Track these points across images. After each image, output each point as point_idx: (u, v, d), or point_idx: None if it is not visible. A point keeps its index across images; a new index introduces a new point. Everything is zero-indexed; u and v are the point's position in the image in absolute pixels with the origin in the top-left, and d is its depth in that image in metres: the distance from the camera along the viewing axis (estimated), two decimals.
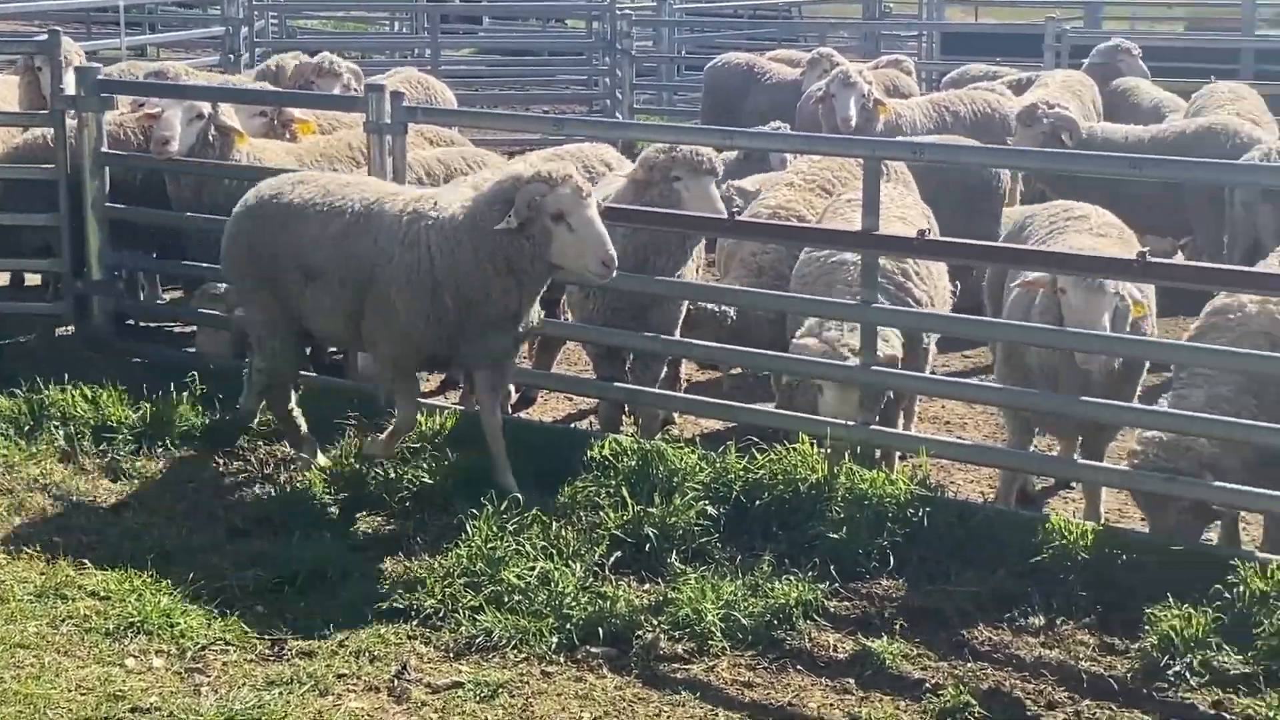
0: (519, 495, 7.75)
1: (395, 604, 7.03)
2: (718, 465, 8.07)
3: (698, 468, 8.05)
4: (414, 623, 6.91)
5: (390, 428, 8.24)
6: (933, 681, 6.48)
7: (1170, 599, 6.78)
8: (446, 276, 7.68)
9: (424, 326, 7.80)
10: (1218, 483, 7.29)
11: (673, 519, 7.57)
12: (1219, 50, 19.87)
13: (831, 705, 6.35)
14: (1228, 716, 6.18)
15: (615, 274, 7.60)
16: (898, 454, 8.75)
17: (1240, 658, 6.52)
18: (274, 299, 8.31)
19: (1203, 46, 20.24)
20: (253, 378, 9.11)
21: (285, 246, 8.16)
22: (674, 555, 7.38)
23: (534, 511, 7.59)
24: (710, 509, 7.73)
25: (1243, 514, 7.78)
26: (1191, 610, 6.69)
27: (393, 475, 8.16)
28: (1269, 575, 6.77)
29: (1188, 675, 6.47)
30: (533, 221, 7.47)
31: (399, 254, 7.77)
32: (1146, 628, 6.69)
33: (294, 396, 8.70)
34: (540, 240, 7.50)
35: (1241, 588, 6.79)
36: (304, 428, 8.66)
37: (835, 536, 7.51)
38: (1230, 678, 6.41)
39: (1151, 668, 6.55)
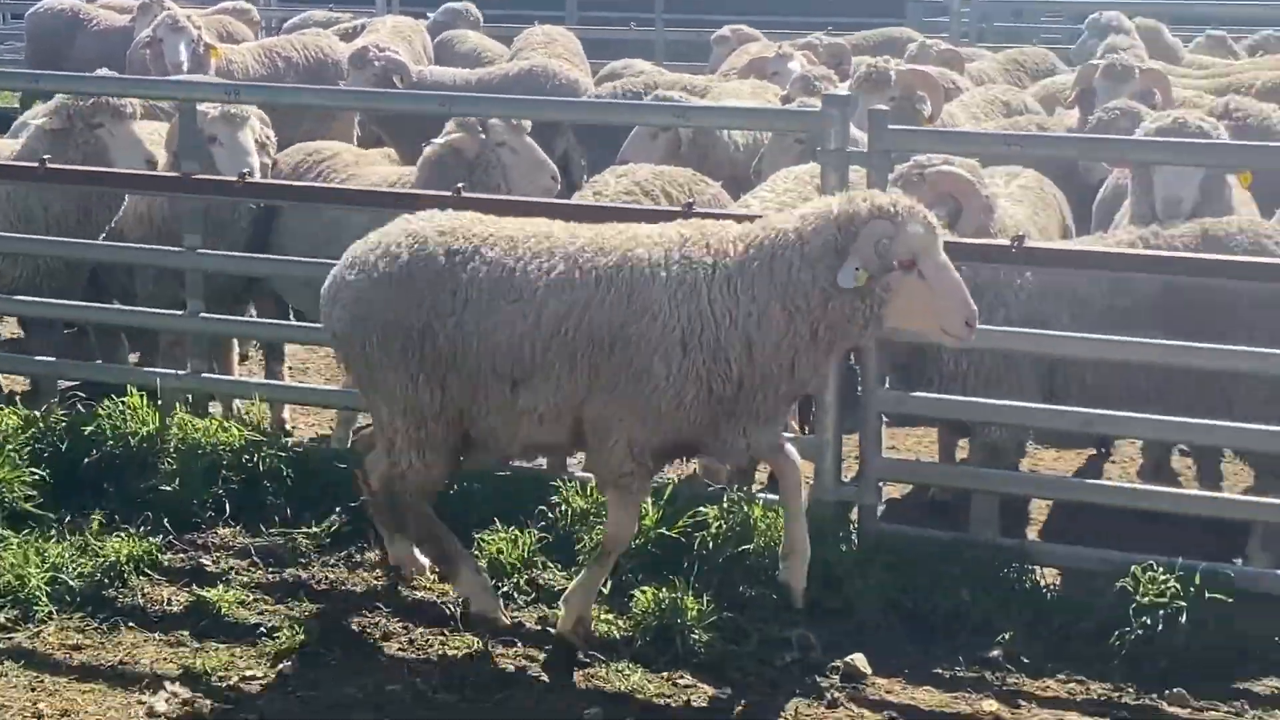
0: None
1: None
2: (40, 425, 7.73)
3: (19, 429, 7.69)
4: None
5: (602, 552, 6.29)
6: (269, 625, 6.47)
7: (498, 522, 7.04)
8: (736, 340, 5.87)
9: (691, 400, 5.91)
10: None
11: None
12: None
13: (165, 659, 6.22)
14: (552, 630, 6.47)
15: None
16: (234, 401, 8.66)
17: (564, 574, 6.86)
18: (432, 403, 6.18)
19: None
20: (378, 504, 6.70)
21: (466, 339, 6.08)
22: None
23: None
24: (36, 470, 7.40)
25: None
26: (519, 532, 6.98)
27: None
28: (589, 493, 7.14)
29: (514, 594, 6.74)
30: (875, 276, 5.75)
31: (667, 309, 5.88)
32: (477, 551, 6.91)
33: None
34: (879, 296, 5.78)
35: (564, 507, 7.13)
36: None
37: (168, 489, 7.39)
38: (555, 593, 6.73)
39: None
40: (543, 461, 7.85)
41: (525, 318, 5.99)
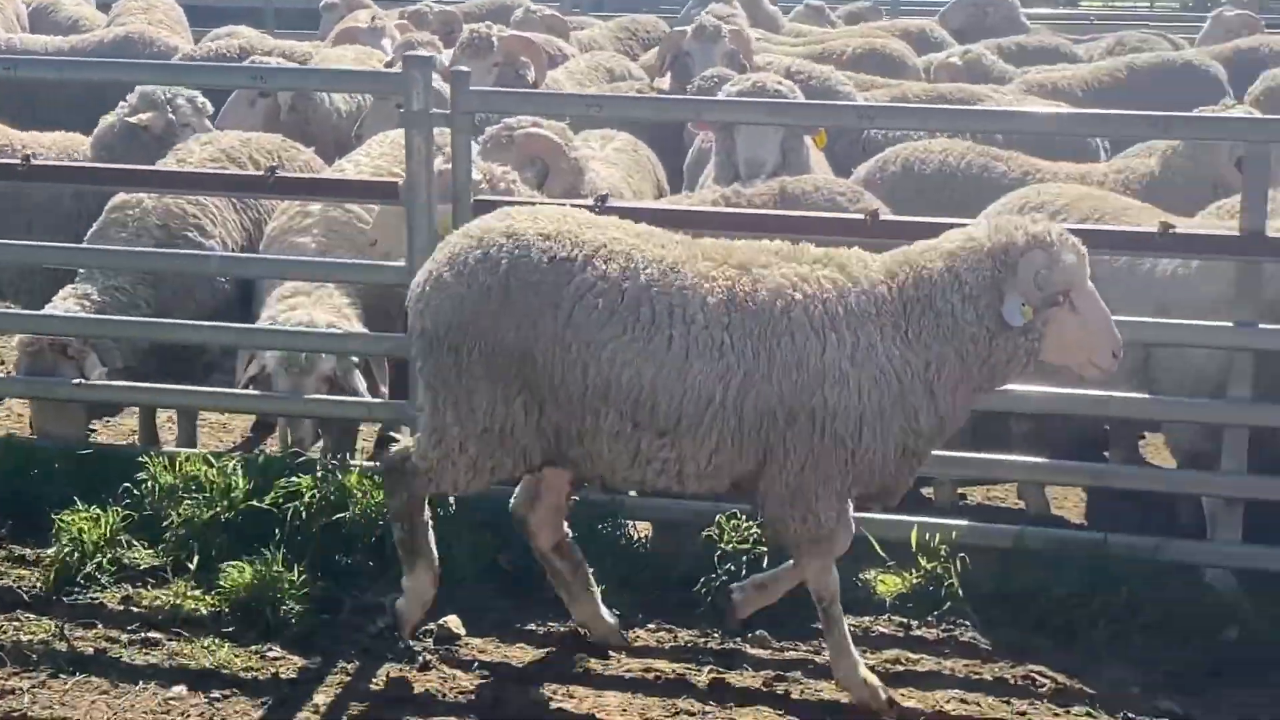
0: None
1: None
2: None
3: None
4: None
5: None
6: None
7: (79, 501, 6.77)
8: (921, 393, 5.41)
9: (895, 458, 5.45)
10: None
11: None
12: None
13: None
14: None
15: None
16: None
17: (150, 552, 6.64)
18: (521, 432, 5.57)
19: None
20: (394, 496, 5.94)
21: (569, 365, 5.45)
22: None
23: None
24: None
25: None
26: (100, 511, 6.73)
27: None
28: (177, 468, 6.93)
29: (98, 574, 6.50)
30: (1040, 307, 5.39)
31: (851, 374, 5.34)
32: (56, 535, 6.63)
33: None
34: (1039, 330, 5.39)
35: (151, 484, 6.91)
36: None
37: None
38: (140, 573, 6.52)
39: (65, 572, 6.52)
40: (135, 439, 7.60)
41: (661, 368, 5.38)
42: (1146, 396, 6.73)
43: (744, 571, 6.36)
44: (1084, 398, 6.54)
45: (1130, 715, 5.69)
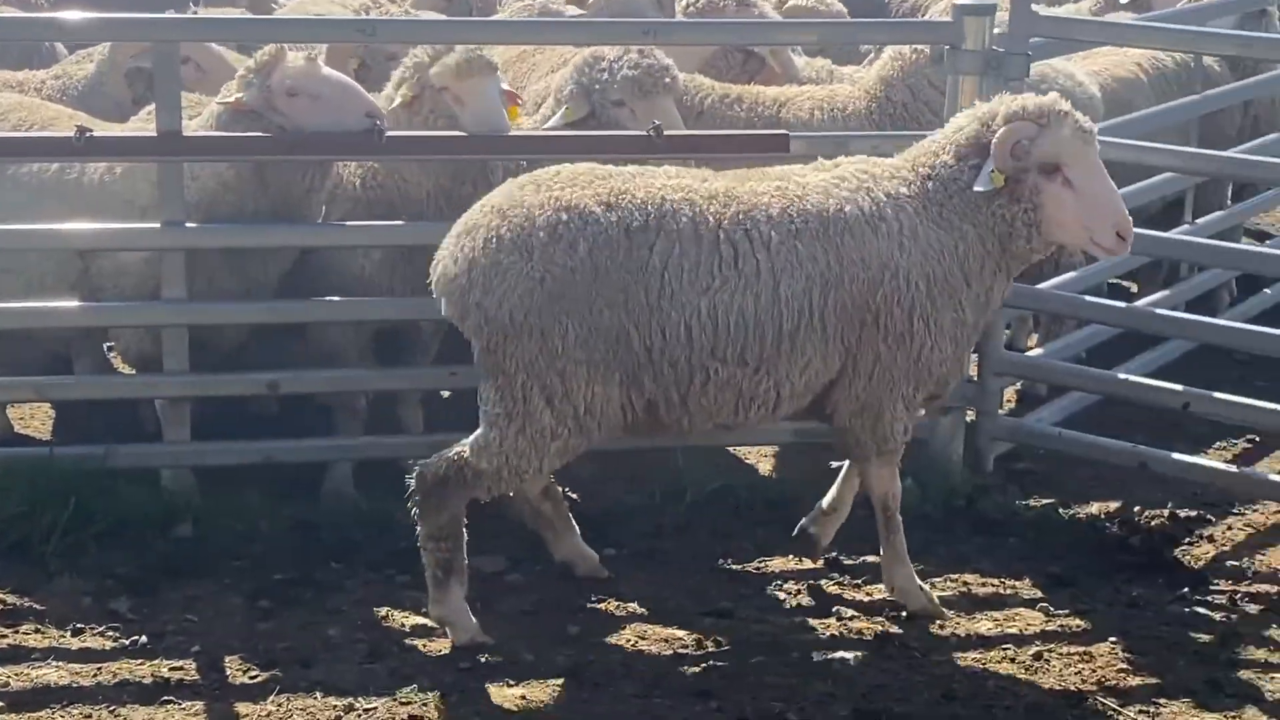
0: None
1: None
2: None
3: None
4: None
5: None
6: None
7: None
8: (958, 275, 5.61)
9: (952, 350, 5.70)
10: None
11: None
12: None
13: None
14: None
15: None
16: None
17: None
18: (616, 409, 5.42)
19: None
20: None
21: (671, 330, 5.34)
22: None
23: None
24: None
25: None
26: None
27: None
28: None
29: None
30: (1020, 180, 5.47)
31: (903, 261, 5.52)
32: None
33: None
34: (1030, 203, 5.51)
35: None
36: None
37: None
38: None
39: None
40: None
41: (757, 298, 5.37)
42: (88, 305, 6.62)
43: None
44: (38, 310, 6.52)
45: (79, 625, 5.65)
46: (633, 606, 5.88)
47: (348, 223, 6.64)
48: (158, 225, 6.38)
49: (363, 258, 6.69)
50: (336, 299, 6.65)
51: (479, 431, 5.47)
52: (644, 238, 5.34)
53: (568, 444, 5.42)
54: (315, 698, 5.16)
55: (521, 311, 5.29)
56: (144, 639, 5.55)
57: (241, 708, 5.11)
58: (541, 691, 5.23)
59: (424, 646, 5.55)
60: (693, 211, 5.41)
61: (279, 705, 5.12)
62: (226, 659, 5.44)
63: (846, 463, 6.03)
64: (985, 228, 5.59)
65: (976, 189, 5.52)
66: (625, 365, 5.36)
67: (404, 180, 6.65)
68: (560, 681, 5.29)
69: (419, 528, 5.52)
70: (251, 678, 5.32)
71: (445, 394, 7.73)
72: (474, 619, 5.56)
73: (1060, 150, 5.48)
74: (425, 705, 5.12)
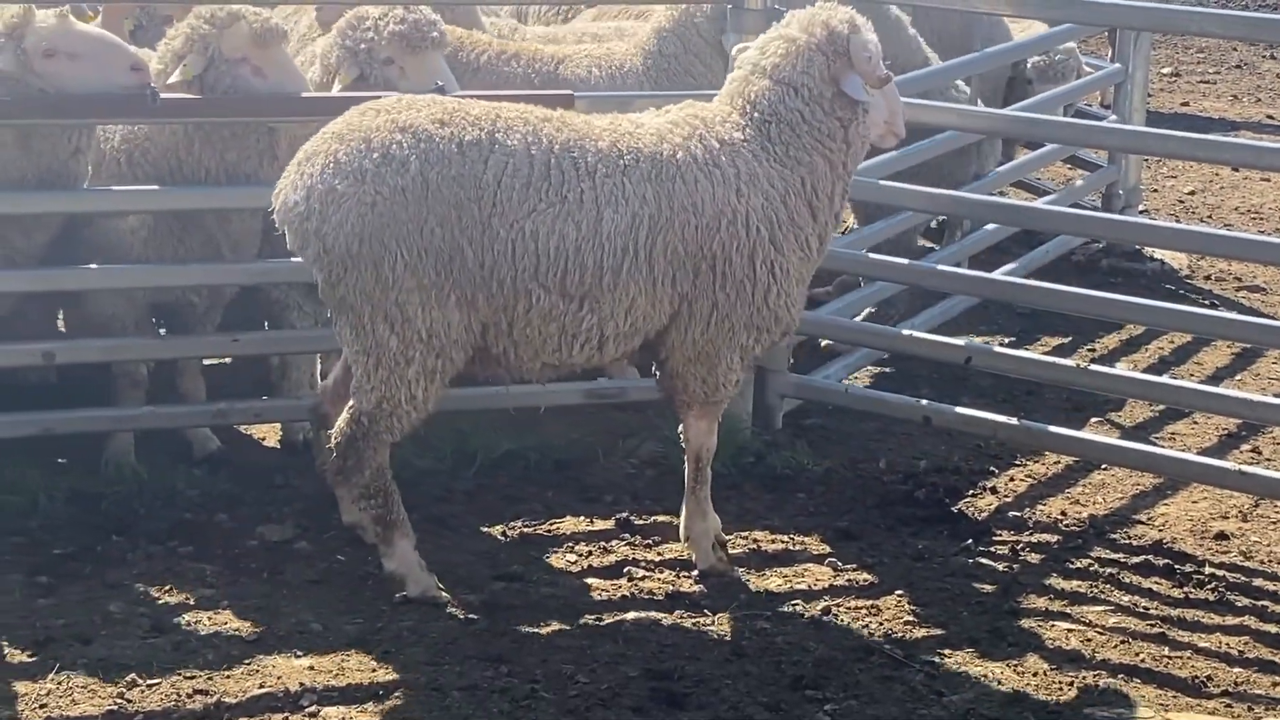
0: None
1: None
2: None
3: None
4: None
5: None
6: None
7: None
8: (804, 211, 5.65)
9: (798, 292, 5.75)
10: None
11: None
12: None
13: None
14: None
15: None
16: None
17: None
18: (459, 326, 5.37)
19: None
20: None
21: (499, 248, 5.31)
22: None
23: None
24: None
25: None
26: None
27: None
28: None
29: None
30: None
31: (742, 207, 5.52)
32: None
33: None
34: (865, 111, 5.73)
35: None
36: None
37: None
38: None
39: None
40: None
41: (579, 227, 5.34)
42: None
43: None
44: None
45: None
46: None
47: (114, 188, 6.40)
48: None
49: (130, 235, 6.48)
50: (106, 267, 6.43)
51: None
52: (477, 152, 5.31)
53: (425, 367, 5.35)
54: (96, 675, 5.02)
55: (356, 240, 5.24)
56: None
57: (19, 687, 4.95)
58: (330, 662, 5.16)
59: (208, 620, 5.44)
60: (526, 130, 5.39)
61: (58, 684, 4.98)
62: (3, 637, 5.26)
63: None
64: (837, 152, 5.65)
65: (858, 98, 5.62)
66: (460, 285, 5.31)
67: (180, 158, 6.39)
68: (350, 651, 5.22)
69: (349, 494, 5.71)
70: (30, 656, 5.16)
71: (228, 361, 7.58)
72: (429, 573, 5.58)
73: (879, 51, 5.71)
74: (210, 679, 5.02)
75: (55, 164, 6.16)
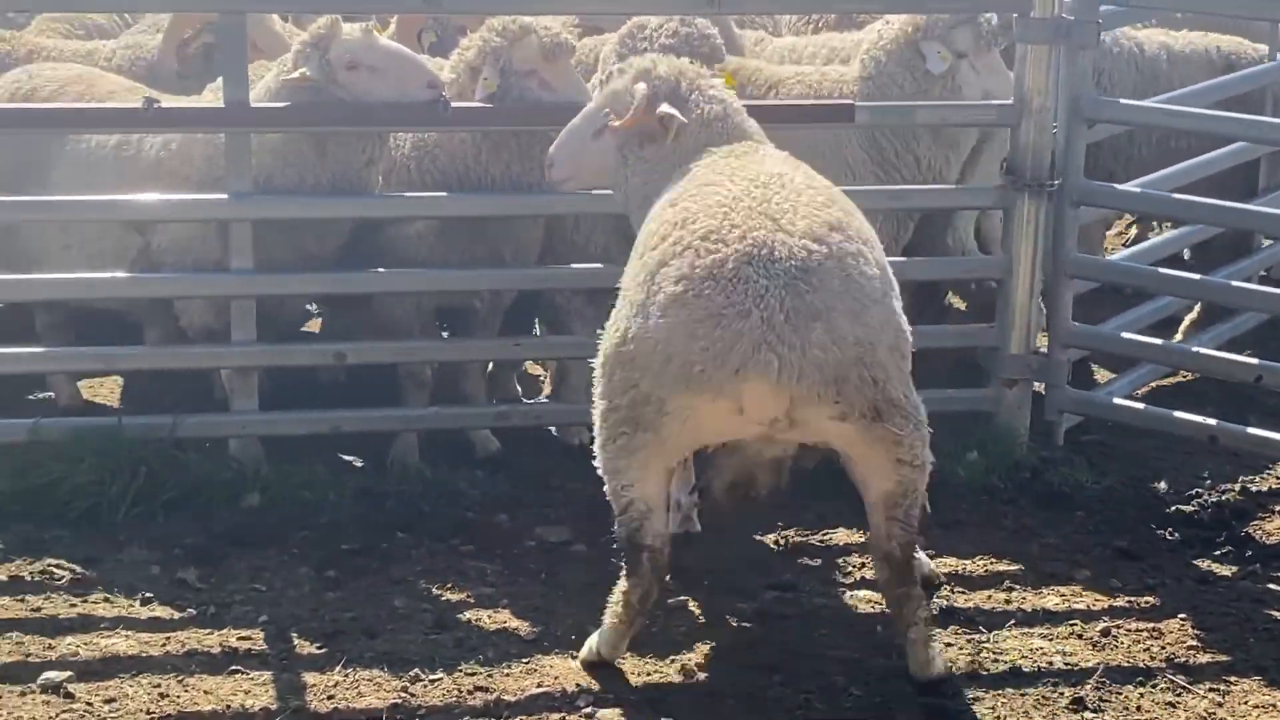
0: None
1: None
2: None
3: None
4: None
5: None
6: None
7: None
8: None
9: None
10: None
11: None
12: None
13: None
14: None
15: None
16: None
17: None
18: None
19: None
20: None
21: None
22: None
23: None
24: None
25: None
26: None
27: None
28: None
29: None
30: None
31: None
32: None
33: None
34: None
35: None
36: None
37: None
38: None
39: None
40: None
41: None
42: (159, 276, 6.68)
43: None
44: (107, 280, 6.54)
45: (148, 594, 5.70)
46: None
47: (406, 194, 6.63)
48: (224, 196, 6.40)
49: (417, 240, 6.69)
50: (395, 270, 6.66)
51: None
52: None
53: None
54: (381, 669, 5.16)
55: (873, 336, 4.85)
56: (212, 609, 5.58)
57: (309, 678, 5.11)
58: (605, 664, 5.23)
59: (489, 618, 5.55)
60: None
61: (345, 675, 5.12)
62: (293, 629, 5.45)
63: None
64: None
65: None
66: None
67: (467, 165, 6.61)
68: (624, 655, 5.26)
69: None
70: (318, 648, 5.32)
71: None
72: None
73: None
74: (490, 677, 5.12)
75: (349, 172, 6.41)
